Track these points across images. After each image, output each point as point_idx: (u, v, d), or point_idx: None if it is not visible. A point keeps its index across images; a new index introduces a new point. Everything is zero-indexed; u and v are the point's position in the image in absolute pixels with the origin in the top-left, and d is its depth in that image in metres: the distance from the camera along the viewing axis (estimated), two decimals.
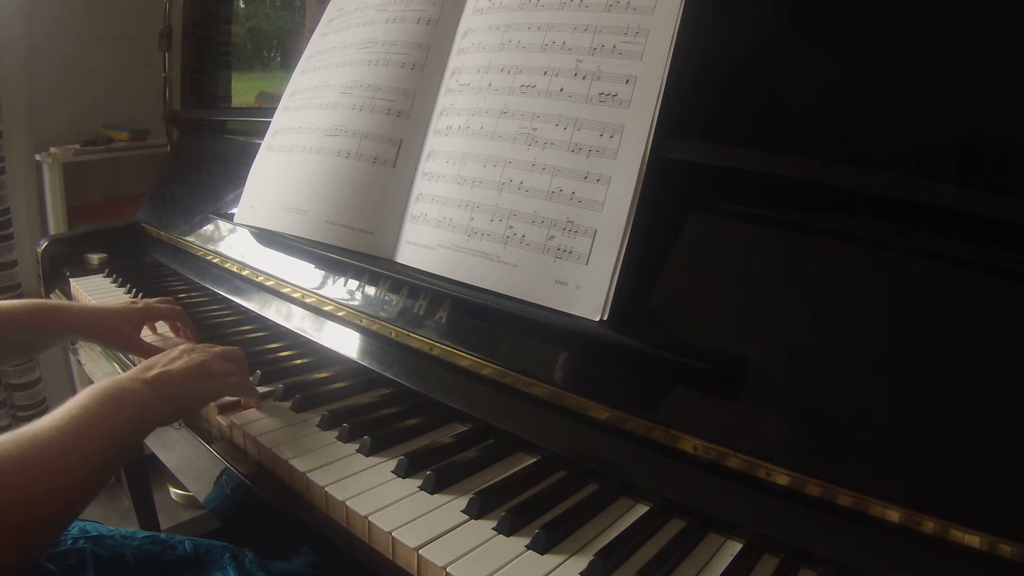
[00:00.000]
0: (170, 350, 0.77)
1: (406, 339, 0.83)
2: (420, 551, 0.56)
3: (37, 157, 1.91)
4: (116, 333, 0.91)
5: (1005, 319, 0.52)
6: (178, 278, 1.29)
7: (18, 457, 0.52)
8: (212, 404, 0.80)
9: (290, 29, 1.92)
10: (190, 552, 0.74)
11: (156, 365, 0.72)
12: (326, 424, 0.76)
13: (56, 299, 1.29)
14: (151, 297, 1.16)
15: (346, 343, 0.90)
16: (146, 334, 1.00)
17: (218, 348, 0.80)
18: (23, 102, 1.90)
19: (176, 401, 0.70)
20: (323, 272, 0.97)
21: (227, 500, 0.78)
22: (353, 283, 0.92)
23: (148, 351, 0.91)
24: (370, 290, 0.89)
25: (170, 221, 1.38)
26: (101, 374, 1.06)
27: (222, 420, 0.78)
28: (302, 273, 0.99)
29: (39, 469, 0.53)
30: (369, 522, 0.60)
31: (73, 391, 2.07)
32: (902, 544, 0.51)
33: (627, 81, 0.70)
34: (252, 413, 0.79)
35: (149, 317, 0.96)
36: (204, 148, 1.46)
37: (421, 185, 0.85)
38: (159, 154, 1.92)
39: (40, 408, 1.95)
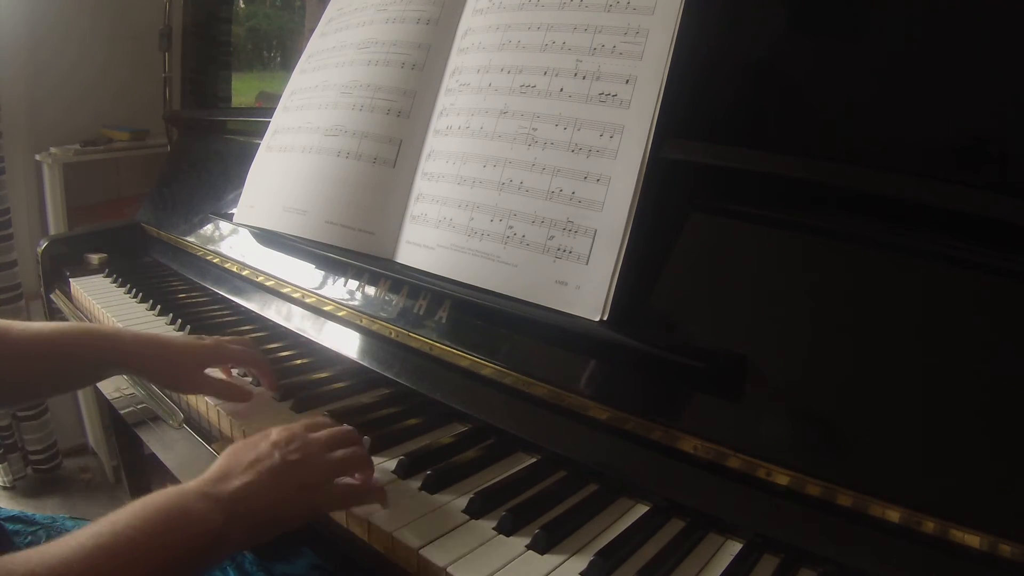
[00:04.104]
0: (257, 441, 0.59)
1: (406, 339, 0.83)
2: (420, 551, 0.56)
3: (37, 157, 1.91)
4: (178, 370, 0.77)
5: (1005, 319, 0.52)
6: (178, 278, 1.29)
7: None
8: (223, 411, 0.78)
9: (290, 29, 1.92)
10: None
11: (236, 470, 0.55)
12: None
13: (72, 311, 1.24)
14: (152, 293, 1.16)
15: (346, 343, 0.90)
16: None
17: (323, 433, 0.61)
18: (23, 102, 1.90)
19: (259, 522, 0.54)
20: (323, 272, 0.97)
21: None
22: (353, 283, 0.92)
23: (218, 392, 0.79)
24: (370, 290, 0.89)
25: (170, 221, 1.38)
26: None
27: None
28: (302, 273, 0.99)
29: None
30: (369, 522, 0.60)
31: (73, 392, 2.07)
32: (902, 544, 0.51)
33: (627, 81, 0.70)
34: (245, 409, 0.79)
35: (219, 358, 0.81)
36: (204, 148, 1.46)
37: (421, 185, 0.85)
38: (159, 154, 1.92)
39: (39, 408, 1.95)
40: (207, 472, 0.56)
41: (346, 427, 0.65)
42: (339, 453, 0.60)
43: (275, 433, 0.60)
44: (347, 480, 0.61)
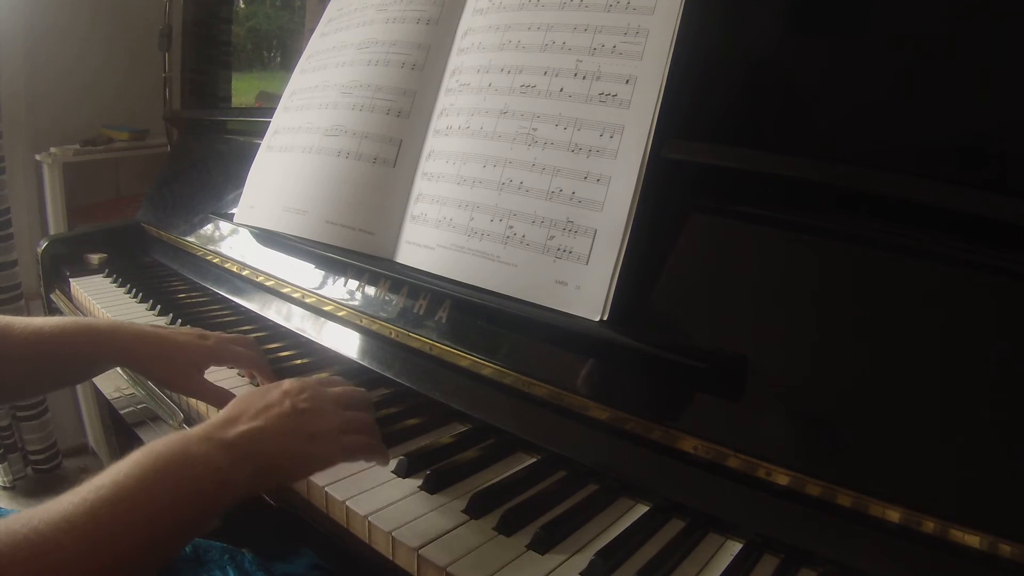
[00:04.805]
0: (268, 389, 0.59)
1: (406, 339, 0.83)
2: (420, 551, 0.56)
3: (37, 157, 1.91)
4: (175, 369, 0.75)
5: (1006, 319, 0.52)
6: (178, 278, 1.29)
7: (42, 536, 0.42)
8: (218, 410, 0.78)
9: (290, 29, 1.92)
10: (189, 552, 0.74)
11: (242, 416, 0.55)
12: None
13: (70, 309, 1.21)
14: (153, 293, 1.16)
15: (346, 343, 0.90)
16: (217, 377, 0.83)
17: (336, 389, 0.61)
18: (23, 102, 1.90)
19: (264, 466, 0.53)
20: (323, 272, 0.97)
21: None
22: (353, 283, 0.92)
23: (214, 397, 0.76)
24: (370, 290, 0.89)
25: (170, 221, 1.38)
26: (112, 373, 1.04)
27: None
28: (302, 273, 0.99)
29: (65, 552, 0.43)
30: (369, 522, 0.60)
31: (73, 392, 2.07)
32: (902, 544, 0.51)
33: (627, 81, 0.70)
34: None
35: (219, 360, 0.79)
36: (204, 148, 1.46)
37: (421, 185, 0.85)
38: (159, 154, 1.92)
39: (39, 408, 1.95)
40: (215, 417, 0.55)
41: (359, 389, 0.65)
42: (349, 412, 0.60)
43: (287, 383, 0.60)
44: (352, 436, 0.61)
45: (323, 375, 0.65)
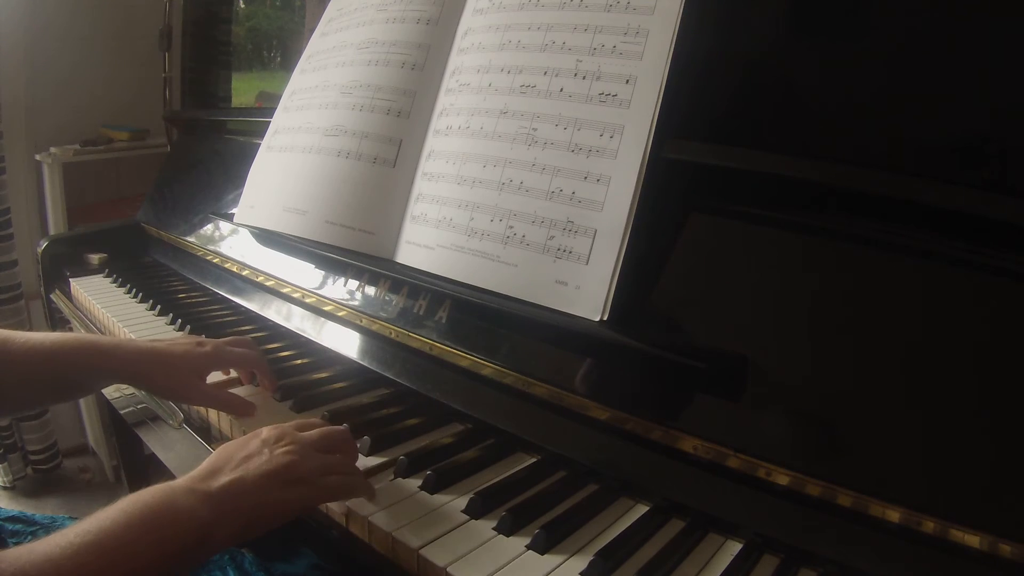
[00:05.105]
0: (248, 439, 0.60)
1: (406, 339, 0.83)
2: (420, 551, 0.56)
3: (37, 157, 1.91)
4: (178, 381, 0.76)
5: (1005, 319, 0.52)
6: (178, 278, 1.29)
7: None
8: (226, 415, 0.78)
9: (290, 29, 1.92)
10: None
11: (226, 467, 0.56)
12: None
13: (84, 330, 1.18)
14: (153, 293, 1.16)
15: (346, 343, 0.90)
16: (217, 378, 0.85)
17: (315, 432, 0.62)
18: (23, 102, 1.90)
19: (247, 519, 0.54)
20: (323, 272, 0.97)
21: None
22: (353, 283, 0.92)
23: (220, 402, 0.78)
24: (370, 290, 0.89)
25: (170, 221, 1.38)
26: None
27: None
28: (302, 273, 0.99)
29: None
30: (369, 522, 0.60)
31: None
32: (902, 544, 0.51)
33: (627, 81, 0.70)
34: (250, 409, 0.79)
35: (218, 364, 0.82)
36: (204, 148, 1.46)
37: (421, 185, 0.85)
38: (159, 154, 1.92)
39: (38, 409, 1.95)
40: (197, 469, 0.56)
41: (338, 428, 0.66)
42: (329, 456, 0.61)
43: (265, 431, 0.61)
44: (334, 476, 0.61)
45: (300, 419, 0.67)
